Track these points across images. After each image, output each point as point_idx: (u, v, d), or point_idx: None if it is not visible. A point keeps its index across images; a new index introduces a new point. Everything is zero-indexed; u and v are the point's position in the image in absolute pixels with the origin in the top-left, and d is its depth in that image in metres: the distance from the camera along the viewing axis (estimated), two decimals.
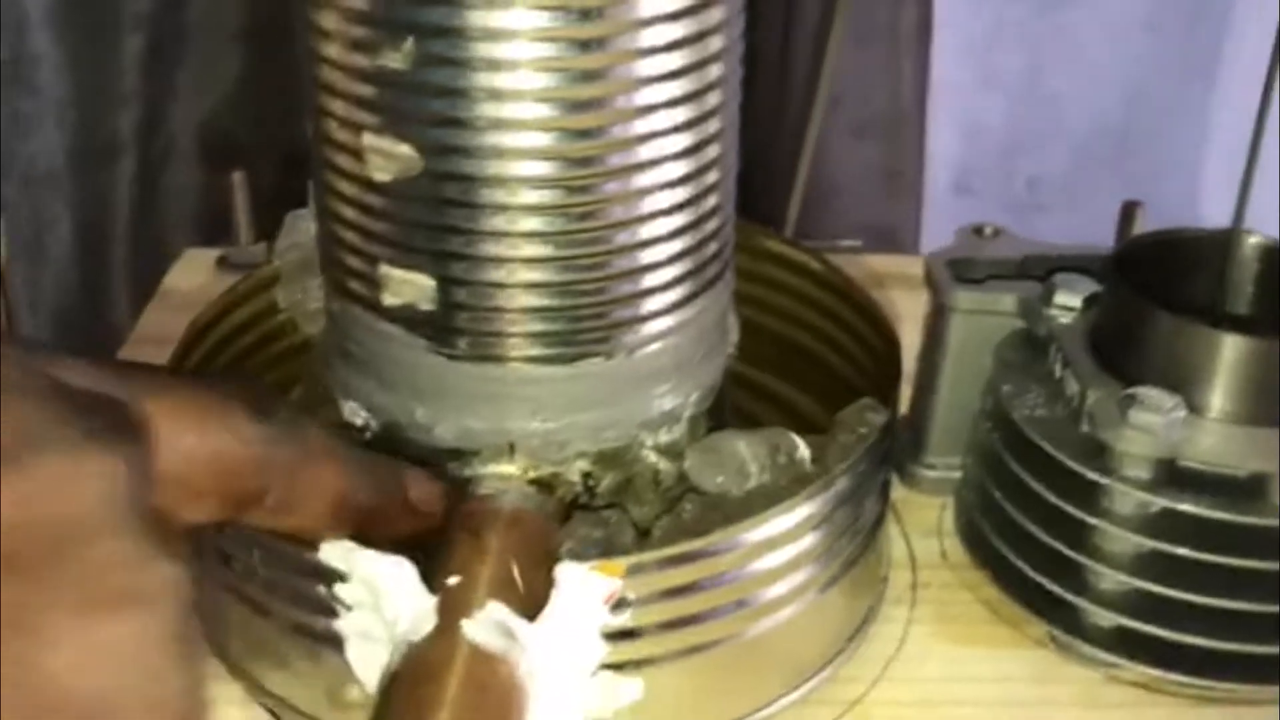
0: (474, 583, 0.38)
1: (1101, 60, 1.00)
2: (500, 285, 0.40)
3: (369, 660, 0.40)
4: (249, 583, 0.42)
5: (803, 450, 0.46)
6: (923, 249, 0.97)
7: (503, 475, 0.42)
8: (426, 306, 0.41)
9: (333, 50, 0.39)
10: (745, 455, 0.44)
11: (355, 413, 0.44)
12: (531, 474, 0.42)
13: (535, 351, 0.41)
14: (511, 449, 0.42)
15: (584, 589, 0.38)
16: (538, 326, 0.41)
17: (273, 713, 0.44)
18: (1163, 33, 0.99)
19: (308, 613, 0.40)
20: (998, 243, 0.54)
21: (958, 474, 0.52)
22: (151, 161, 0.86)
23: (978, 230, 0.55)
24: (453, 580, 0.38)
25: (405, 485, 0.41)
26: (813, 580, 0.42)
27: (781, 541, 0.41)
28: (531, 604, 0.38)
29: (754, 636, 0.41)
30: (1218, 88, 1.00)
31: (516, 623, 0.37)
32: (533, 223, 0.39)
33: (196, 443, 0.34)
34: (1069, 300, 0.49)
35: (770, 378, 0.54)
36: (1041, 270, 0.52)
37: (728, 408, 0.47)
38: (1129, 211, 0.68)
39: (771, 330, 0.54)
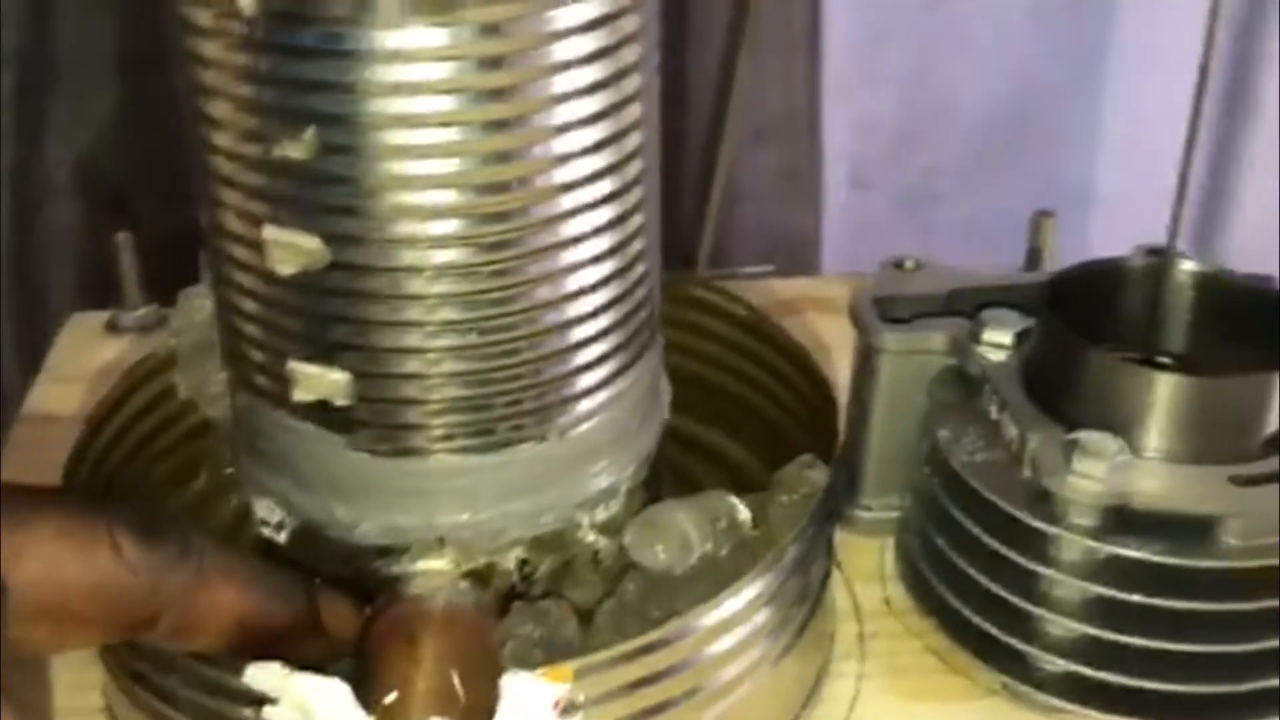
0: (412, 698, 0.36)
1: (990, 50, 1.00)
2: (420, 376, 0.38)
3: None
4: (167, 704, 0.39)
5: (743, 513, 0.44)
6: (824, 245, 0.97)
7: (433, 571, 0.40)
8: (341, 402, 0.38)
9: (225, 140, 0.36)
10: (685, 526, 0.43)
11: (270, 510, 0.42)
12: (464, 566, 0.40)
13: (462, 442, 0.39)
14: (441, 543, 0.40)
15: (532, 698, 0.36)
16: (463, 417, 0.38)
17: None
18: (1048, 20, 0.99)
19: None
20: (921, 276, 0.53)
21: (894, 514, 0.51)
22: (27, 203, 0.82)
23: (898, 264, 0.54)
24: (389, 698, 0.36)
25: (316, 605, 0.39)
26: (767, 654, 0.41)
27: (736, 621, 0.39)
28: (475, 715, 0.37)
29: (711, 717, 0.40)
30: (1106, 70, 1.01)
31: None
32: (451, 311, 0.37)
33: (77, 572, 0.32)
34: (999, 337, 0.48)
35: (700, 427, 0.52)
36: (968, 304, 0.51)
37: (663, 469, 0.46)
38: (1039, 223, 0.68)
39: (699, 377, 0.52)
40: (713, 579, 0.42)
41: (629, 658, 0.37)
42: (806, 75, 0.91)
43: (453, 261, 0.36)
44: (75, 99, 0.83)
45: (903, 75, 0.99)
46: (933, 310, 0.51)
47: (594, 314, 0.39)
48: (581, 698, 0.37)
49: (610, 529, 0.42)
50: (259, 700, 0.37)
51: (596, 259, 0.38)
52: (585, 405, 0.40)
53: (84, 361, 0.64)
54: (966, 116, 1.02)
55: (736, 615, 0.39)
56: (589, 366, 0.40)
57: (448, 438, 0.39)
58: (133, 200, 0.80)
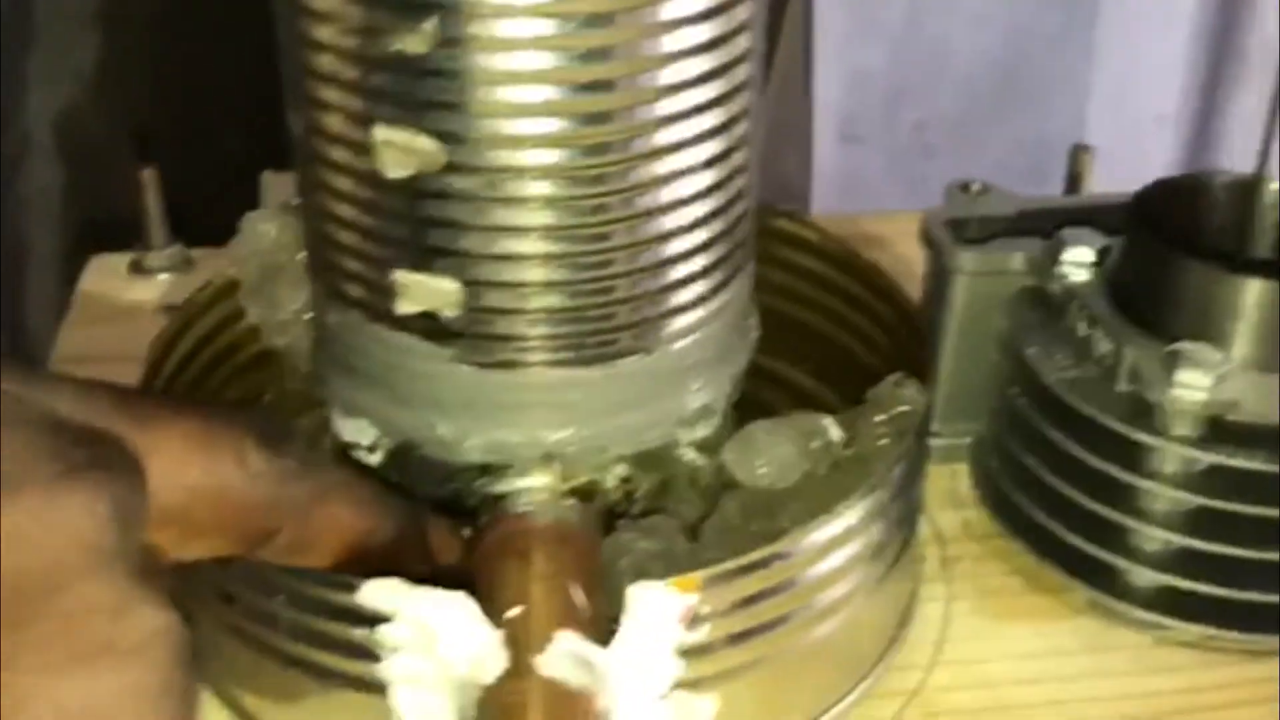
0: (537, 612, 0.35)
1: (982, 2, 0.99)
2: (532, 285, 0.36)
3: (419, 707, 0.36)
4: (267, 627, 0.38)
5: (835, 432, 0.43)
6: (813, 199, 0.96)
7: (539, 488, 0.39)
8: (449, 313, 0.37)
9: (329, 34, 0.35)
10: (785, 445, 0.42)
11: (363, 431, 0.40)
12: (568, 484, 0.39)
13: (570, 354, 0.38)
14: (546, 459, 0.39)
15: (659, 608, 0.35)
16: (571, 327, 0.37)
17: None
18: None
19: (342, 658, 0.37)
20: (987, 199, 0.52)
21: (966, 439, 0.51)
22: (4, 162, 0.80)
23: (964, 187, 0.53)
24: (513, 612, 0.35)
25: (424, 527, 0.38)
26: (874, 571, 0.40)
27: (850, 536, 0.38)
28: (597, 628, 0.36)
29: (820, 636, 0.39)
30: (1100, 19, 1.01)
31: (591, 651, 0.34)
32: (566, 215, 0.36)
33: (202, 477, 0.31)
34: (1081, 255, 0.47)
35: (767, 358, 0.51)
36: (1038, 225, 0.51)
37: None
38: (1078, 155, 0.67)
39: (768, 307, 0.51)
40: (811, 497, 0.41)
41: (750, 569, 0.36)
42: (798, 28, 0.91)
43: (570, 164, 0.35)
44: (55, 54, 0.81)
45: (894, 29, 0.98)
46: (1004, 231, 0.51)
47: (703, 222, 0.38)
48: (707, 609, 0.36)
49: (708, 447, 0.41)
50: (372, 619, 0.35)
51: (705, 164, 0.37)
52: (689, 318, 0.39)
53: (111, 303, 0.62)
54: (958, 70, 1.01)
55: (851, 530, 0.38)
56: (695, 278, 0.39)
57: (554, 349, 0.38)
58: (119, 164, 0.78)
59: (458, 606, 0.35)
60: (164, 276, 0.63)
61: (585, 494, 0.39)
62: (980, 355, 0.49)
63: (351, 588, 0.35)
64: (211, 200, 0.77)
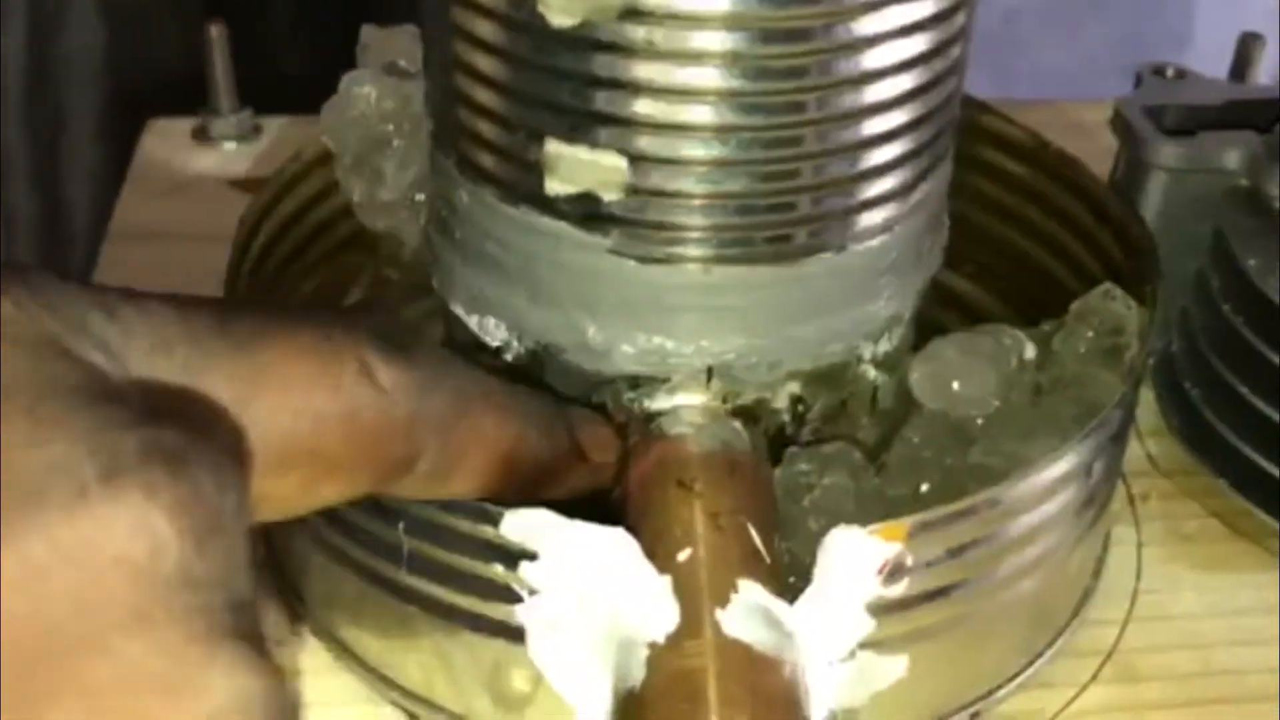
0: (711, 556, 0.29)
1: None
2: (707, 164, 0.30)
3: (559, 655, 0.31)
4: (382, 557, 0.32)
5: (1030, 351, 0.37)
6: None
7: (698, 407, 0.33)
8: (610, 195, 0.31)
9: None
10: (979, 365, 0.36)
11: (489, 332, 0.34)
12: (732, 403, 0.33)
13: (745, 250, 0.31)
14: (709, 374, 0.33)
15: (858, 558, 0.30)
16: (750, 218, 0.31)
17: (409, 713, 0.35)
18: None
19: (472, 597, 0.31)
20: (1188, 85, 0.45)
21: (1149, 359, 0.45)
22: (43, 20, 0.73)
23: (1158, 71, 0.46)
24: (684, 555, 0.29)
25: (573, 428, 0.32)
26: (1084, 518, 0.34)
27: (1069, 480, 0.32)
28: (779, 577, 0.30)
29: (1023, 590, 0.33)
30: None
31: (777, 606, 0.29)
32: (755, 79, 0.29)
33: (327, 401, 0.25)
34: None
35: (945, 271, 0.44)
36: (1244, 118, 0.44)
37: None
38: (1247, 41, 0.60)
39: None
40: (1010, 428, 0.35)
41: (966, 515, 0.30)
42: None
43: (759, 12, 0.29)
44: None
45: None
46: (1211, 123, 0.44)
47: (912, 96, 0.31)
48: (910, 561, 0.30)
49: (889, 364, 0.35)
50: (515, 555, 0.30)
51: (918, 25, 0.31)
52: (886, 212, 0.33)
53: (173, 172, 0.56)
54: None
55: (1072, 472, 0.32)
56: (897, 164, 0.32)
57: (728, 244, 0.31)
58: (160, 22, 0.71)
59: (618, 545, 0.29)
60: (230, 146, 0.57)
61: (751, 415, 0.34)
62: (1175, 262, 0.43)
63: (490, 517, 0.30)
64: (276, 61, 0.71)
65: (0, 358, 0.19)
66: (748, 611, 0.28)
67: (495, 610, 0.31)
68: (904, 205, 0.33)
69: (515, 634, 0.31)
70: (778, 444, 0.34)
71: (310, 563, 0.35)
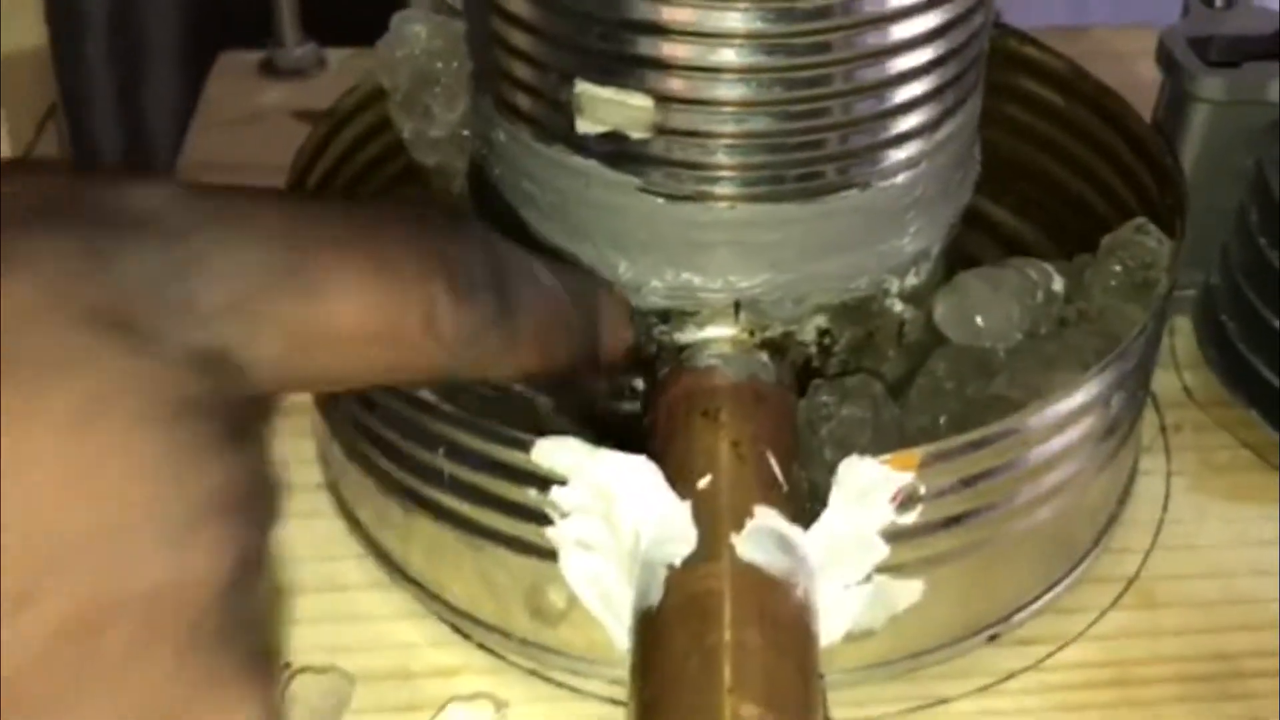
0: (730, 483, 0.31)
1: None
2: (734, 104, 0.31)
3: (593, 576, 0.33)
4: (426, 481, 0.34)
5: (1058, 284, 0.38)
6: None
7: (726, 339, 0.34)
8: (638, 134, 0.32)
9: None
10: (1005, 298, 0.36)
11: None
12: (759, 336, 0.35)
13: (774, 187, 0.32)
14: (736, 307, 0.34)
15: (871, 486, 0.31)
16: (778, 156, 0.32)
17: (453, 626, 0.37)
18: None
19: (508, 518, 0.33)
20: (1236, 14, 0.45)
21: (1189, 291, 0.45)
22: None
23: (1207, 0, 0.46)
24: (704, 481, 0.31)
25: (598, 308, 0.32)
26: (1104, 449, 0.35)
27: (1086, 411, 0.33)
28: (795, 503, 0.31)
29: (1041, 519, 0.35)
30: None
31: (791, 531, 0.30)
32: (781, 20, 0.30)
33: (382, 353, 0.24)
34: None
35: (978, 197, 0.45)
36: None
37: None
38: None
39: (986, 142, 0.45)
40: (1033, 359, 0.36)
41: (978, 446, 0.32)
42: None
43: None
44: None
45: None
46: (1256, 54, 0.44)
47: (938, 34, 0.32)
48: (923, 490, 0.31)
49: (917, 298, 0.36)
50: (545, 480, 0.32)
51: None
52: (913, 149, 0.33)
53: (242, 105, 0.57)
54: None
55: (1089, 403, 0.33)
56: (923, 100, 0.33)
57: (755, 182, 0.32)
58: None
59: (641, 472, 0.31)
60: (296, 79, 0.59)
61: (777, 347, 0.35)
62: (1217, 195, 0.43)
63: (523, 444, 0.31)
64: None
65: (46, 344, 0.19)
66: (762, 536, 0.30)
67: (529, 532, 0.33)
68: (930, 142, 0.34)
69: (549, 554, 0.33)
70: (805, 376, 0.35)
71: (362, 487, 0.37)
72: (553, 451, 0.31)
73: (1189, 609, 0.37)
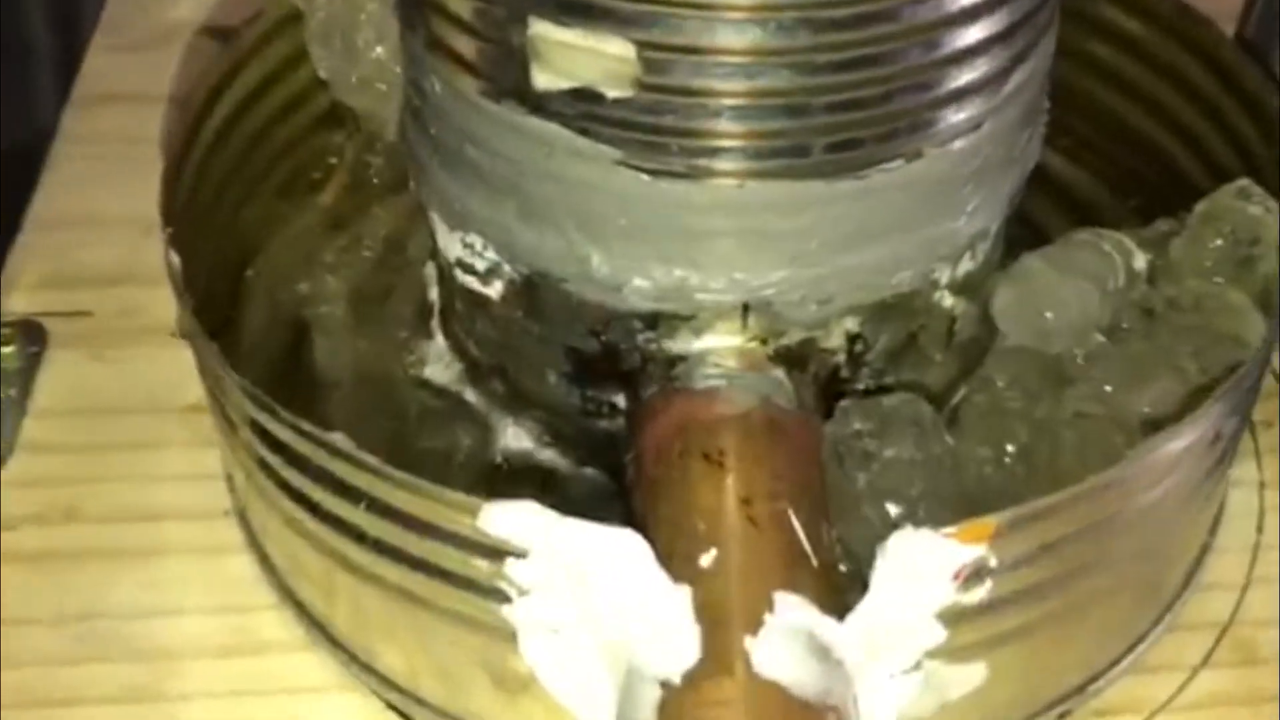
0: (743, 561, 0.23)
1: None
2: (740, 52, 0.23)
3: (557, 659, 0.25)
4: (346, 537, 0.27)
5: (1140, 261, 0.30)
6: None
7: (732, 350, 0.27)
8: (616, 93, 0.24)
9: None
10: (1074, 286, 0.29)
11: (477, 250, 0.28)
12: (773, 344, 0.27)
13: (795, 160, 0.25)
14: (745, 310, 0.27)
15: (929, 564, 0.23)
16: (801, 120, 0.24)
17: (389, 703, 0.29)
18: None
19: (452, 589, 0.26)
20: None
21: None
22: None
23: None
24: (706, 559, 0.23)
25: None
26: (1208, 483, 0.28)
27: (1201, 446, 0.26)
28: (828, 581, 0.24)
29: (1128, 572, 0.27)
30: None
31: (826, 628, 0.23)
32: None
33: None
34: None
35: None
36: None
37: None
38: None
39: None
40: (1114, 363, 0.29)
41: (1067, 506, 0.24)
42: None
43: None
44: None
45: None
46: None
47: None
48: (994, 562, 0.24)
49: (970, 288, 0.29)
50: (498, 551, 0.24)
51: None
52: (971, 109, 0.26)
53: (148, 23, 0.49)
54: None
55: (1198, 441, 0.26)
56: (978, 51, 0.25)
57: (772, 153, 0.25)
58: None
59: (624, 549, 0.23)
60: None
61: (796, 358, 0.27)
62: None
63: (468, 508, 0.24)
64: None
65: None
66: (786, 638, 0.22)
67: (479, 609, 0.25)
68: (995, 96, 0.26)
69: (506, 634, 0.25)
70: (829, 391, 0.28)
71: (270, 524, 0.30)
72: (506, 519, 0.23)
73: None
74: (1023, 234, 0.31)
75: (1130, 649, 0.29)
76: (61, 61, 0.58)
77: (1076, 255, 0.29)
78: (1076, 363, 0.28)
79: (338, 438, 0.25)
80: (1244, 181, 0.30)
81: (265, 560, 0.31)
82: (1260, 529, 0.33)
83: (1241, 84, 0.33)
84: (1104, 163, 0.38)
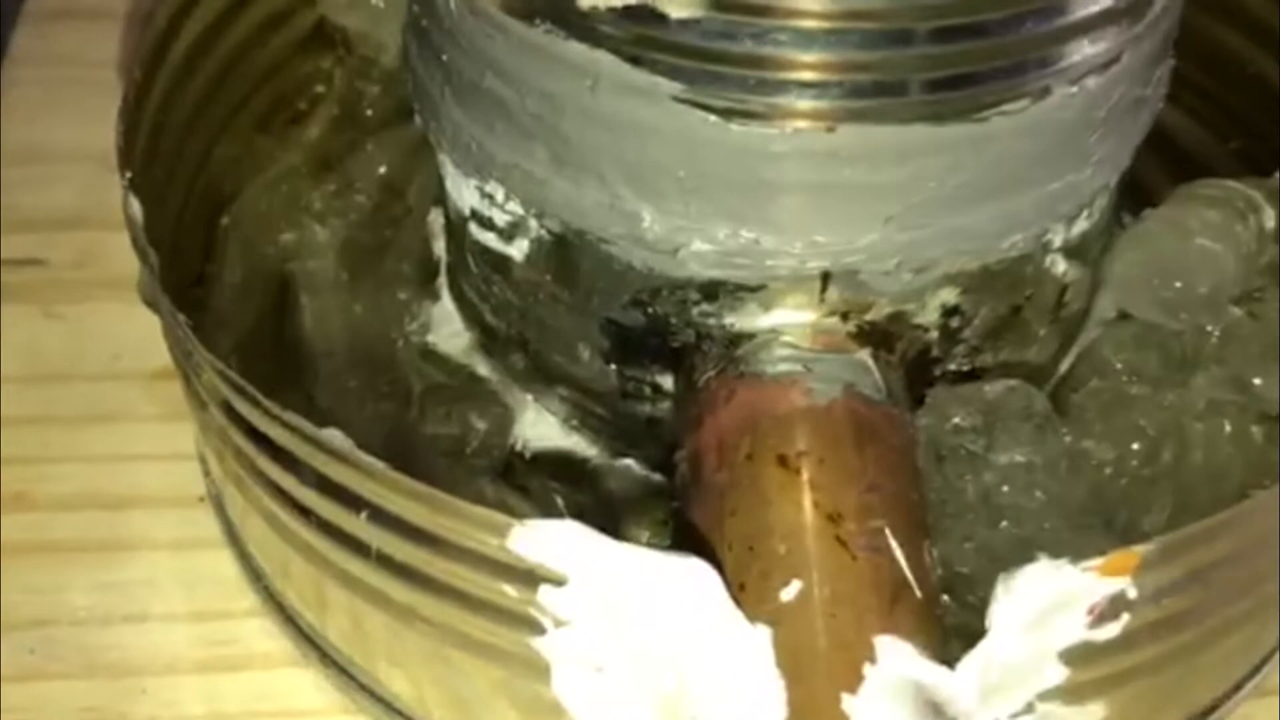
0: (832, 594, 0.19)
1: None
2: None
3: (598, 700, 0.21)
4: (343, 548, 0.22)
5: (1270, 218, 0.26)
6: None
7: (807, 327, 0.22)
8: (680, 12, 0.19)
9: None
10: (1203, 250, 0.24)
11: (497, 203, 0.23)
12: (855, 320, 0.23)
13: (893, 100, 0.20)
14: (824, 280, 0.22)
15: (1059, 599, 0.19)
16: (902, 51, 0.20)
17: None
18: None
19: (471, 616, 0.21)
20: None
21: None
22: None
23: None
24: (789, 592, 0.19)
25: None
26: None
27: None
28: (932, 616, 0.20)
29: (1266, 591, 0.23)
30: None
31: (937, 679, 0.19)
32: None
33: None
34: None
35: None
36: None
37: None
38: None
39: None
40: (1247, 342, 0.25)
41: (1225, 528, 0.20)
42: None
43: None
44: None
45: None
46: None
47: None
48: (1134, 594, 0.20)
49: (1082, 251, 0.24)
50: (532, 576, 0.20)
51: None
52: (1110, 38, 0.21)
53: None
54: None
55: None
56: None
57: (866, 90, 0.20)
58: None
59: (687, 579, 0.19)
60: None
61: (882, 337, 0.23)
62: None
63: (494, 527, 0.19)
64: None
65: None
66: (893, 694, 0.18)
67: (507, 639, 0.21)
68: (1137, 22, 0.21)
69: (539, 667, 0.21)
70: (916, 374, 0.23)
71: (251, 520, 0.25)
72: (542, 541, 0.19)
73: None
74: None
75: (1255, 670, 0.25)
76: None
77: (1204, 214, 0.25)
78: (1209, 342, 0.24)
79: (334, 435, 0.20)
80: None
81: (245, 558, 0.27)
82: None
83: None
84: (1197, 98, 0.33)
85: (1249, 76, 0.32)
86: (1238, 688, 0.25)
